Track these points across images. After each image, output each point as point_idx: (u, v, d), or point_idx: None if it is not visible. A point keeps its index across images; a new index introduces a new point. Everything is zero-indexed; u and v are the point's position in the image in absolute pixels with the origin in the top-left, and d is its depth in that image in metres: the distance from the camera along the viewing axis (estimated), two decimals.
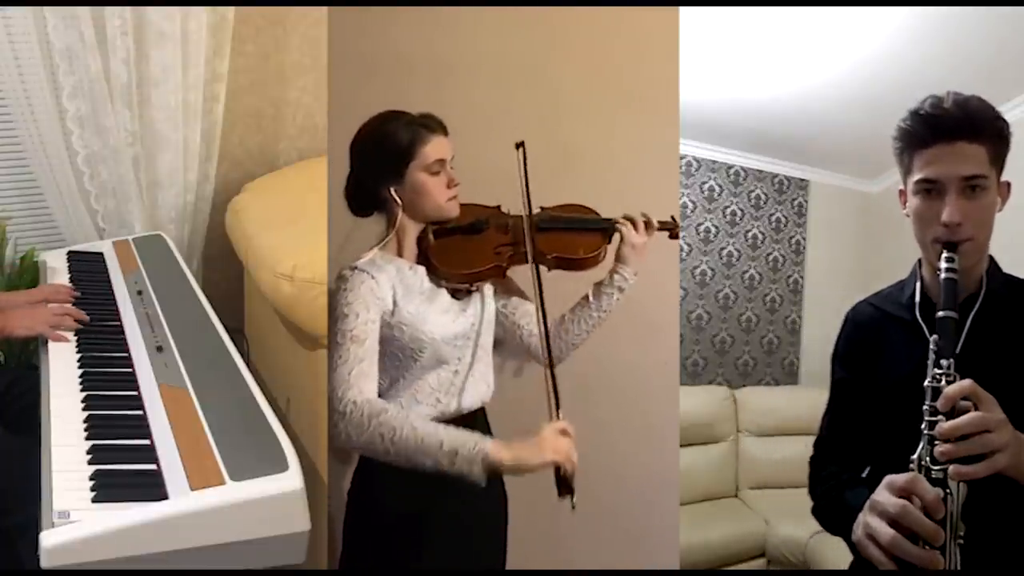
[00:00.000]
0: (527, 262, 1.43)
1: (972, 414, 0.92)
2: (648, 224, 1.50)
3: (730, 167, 3.68)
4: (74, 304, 1.88)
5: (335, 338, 1.30)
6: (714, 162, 3.63)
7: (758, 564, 2.98)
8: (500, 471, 1.19)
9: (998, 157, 1.09)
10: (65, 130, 2.24)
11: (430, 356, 1.38)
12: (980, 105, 1.08)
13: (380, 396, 1.36)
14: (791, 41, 2.50)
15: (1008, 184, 1.13)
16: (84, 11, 2.13)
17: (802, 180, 3.86)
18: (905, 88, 1.14)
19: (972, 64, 2.52)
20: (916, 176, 1.10)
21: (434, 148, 1.37)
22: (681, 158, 3.47)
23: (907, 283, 1.21)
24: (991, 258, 1.16)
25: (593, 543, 2.09)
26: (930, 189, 1.08)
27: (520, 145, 1.45)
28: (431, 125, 1.39)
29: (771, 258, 3.82)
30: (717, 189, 3.66)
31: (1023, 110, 2.89)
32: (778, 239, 3.83)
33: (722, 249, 3.68)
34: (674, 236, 1.54)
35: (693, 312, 3.61)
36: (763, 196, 3.78)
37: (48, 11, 2.11)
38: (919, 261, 1.20)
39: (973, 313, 1.10)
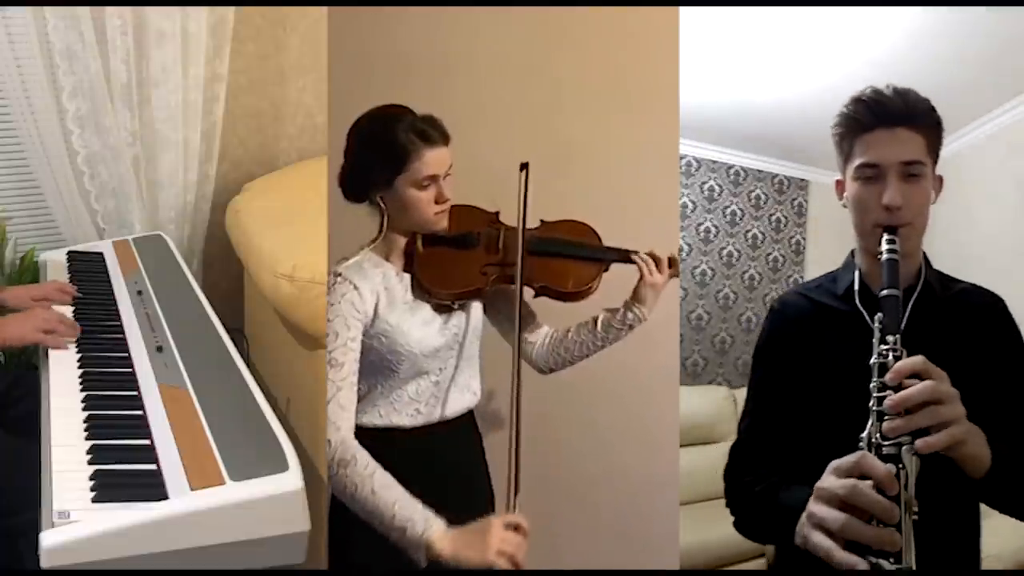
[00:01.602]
0: (512, 283, 1.38)
1: (923, 383, 0.89)
2: (663, 261, 1.44)
3: (730, 167, 3.68)
4: (74, 304, 1.88)
5: (326, 348, 1.29)
6: (714, 162, 3.63)
7: (758, 564, 2.98)
8: (439, 561, 1.13)
9: (934, 147, 1.12)
10: (65, 130, 2.24)
11: (408, 367, 1.36)
12: (918, 97, 1.12)
13: (359, 400, 1.34)
14: (792, 42, 2.50)
15: (941, 178, 1.15)
16: (84, 11, 2.13)
17: (802, 180, 3.86)
18: None
19: (973, 66, 2.52)
20: (857, 161, 1.12)
21: (428, 163, 1.30)
22: (681, 158, 3.47)
23: (840, 275, 1.21)
24: (924, 253, 1.17)
25: (593, 543, 2.09)
26: (871, 175, 1.10)
27: (524, 167, 1.39)
28: (431, 136, 1.30)
29: (771, 258, 3.82)
30: (717, 189, 3.66)
31: (1023, 110, 2.89)
32: (778, 239, 3.83)
33: (722, 249, 3.68)
34: (673, 275, 1.47)
35: (693, 312, 3.61)
36: (763, 196, 3.78)
37: (48, 11, 2.11)
38: (852, 252, 1.21)
39: (912, 302, 1.11)
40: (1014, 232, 2.88)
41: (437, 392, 1.41)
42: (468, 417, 1.49)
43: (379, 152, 1.32)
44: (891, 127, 1.09)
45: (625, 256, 1.45)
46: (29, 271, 2.30)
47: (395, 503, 1.16)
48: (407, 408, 1.39)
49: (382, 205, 1.35)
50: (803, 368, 1.17)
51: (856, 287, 1.16)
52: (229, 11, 2.34)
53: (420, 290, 1.38)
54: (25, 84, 2.17)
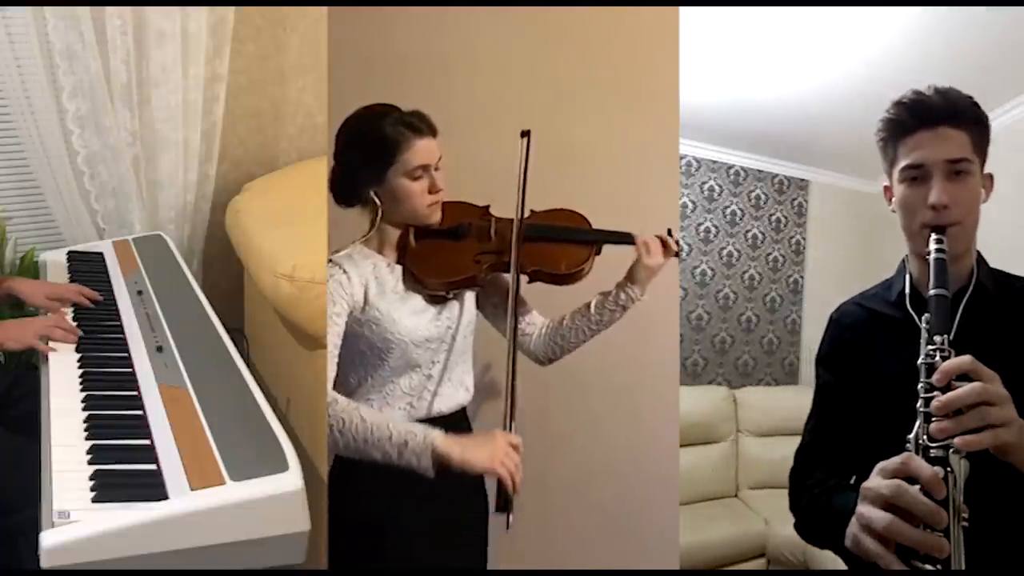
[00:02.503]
0: (505, 271, 1.39)
1: (971, 384, 0.87)
2: (666, 245, 1.45)
3: (730, 167, 3.68)
4: (74, 305, 1.88)
5: None
6: (714, 162, 3.63)
7: (758, 564, 2.99)
8: (448, 466, 1.16)
9: (980, 144, 1.10)
10: (65, 130, 2.24)
11: (399, 357, 1.37)
12: (959, 94, 1.10)
13: (349, 395, 1.36)
14: (791, 41, 2.50)
15: (991, 176, 1.14)
16: (84, 11, 2.13)
17: (802, 180, 3.86)
18: (905, 88, 1.14)
19: (972, 64, 2.52)
20: (902, 163, 1.10)
21: (417, 153, 1.33)
22: (681, 158, 3.47)
23: (894, 281, 1.20)
24: (978, 252, 1.15)
25: (593, 543, 2.09)
26: (916, 176, 1.09)
27: (526, 134, 1.40)
28: (418, 127, 1.34)
29: (771, 258, 3.82)
30: (717, 189, 3.65)
31: (1023, 110, 2.89)
32: (778, 239, 3.83)
33: (722, 249, 3.68)
34: (674, 254, 1.48)
35: (693, 312, 3.61)
36: (763, 196, 3.78)
37: (48, 11, 2.11)
38: (904, 259, 1.19)
39: (964, 302, 1.10)
40: (1013, 231, 2.89)
41: (430, 386, 1.41)
42: (461, 414, 1.49)
43: (369, 147, 1.34)
44: (933, 126, 1.08)
45: (620, 238, 1.46)
46: (29, 271, 2.29)
47: (388, 423, 1.18)
48: (399, 402, 1.39)
49: (376, 200, 1.37)
50: (860, 375, 1.17)
51: (907, 291, 1.15)
52: (229, 11, 2.34)
53: (413, 281, 1.39)
54: (25, 84, 2.17)
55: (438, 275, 1.39)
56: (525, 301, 1.55)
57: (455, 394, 1.45)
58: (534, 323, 1.56)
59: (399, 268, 1.40)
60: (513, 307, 1.33)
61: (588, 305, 1.49)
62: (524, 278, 1.43)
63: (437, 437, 1.16)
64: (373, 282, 1.36)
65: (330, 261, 1.35)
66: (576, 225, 1.48)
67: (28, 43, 2.13)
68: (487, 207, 1.47)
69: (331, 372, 1.29)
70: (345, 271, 1.33)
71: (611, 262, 1.48)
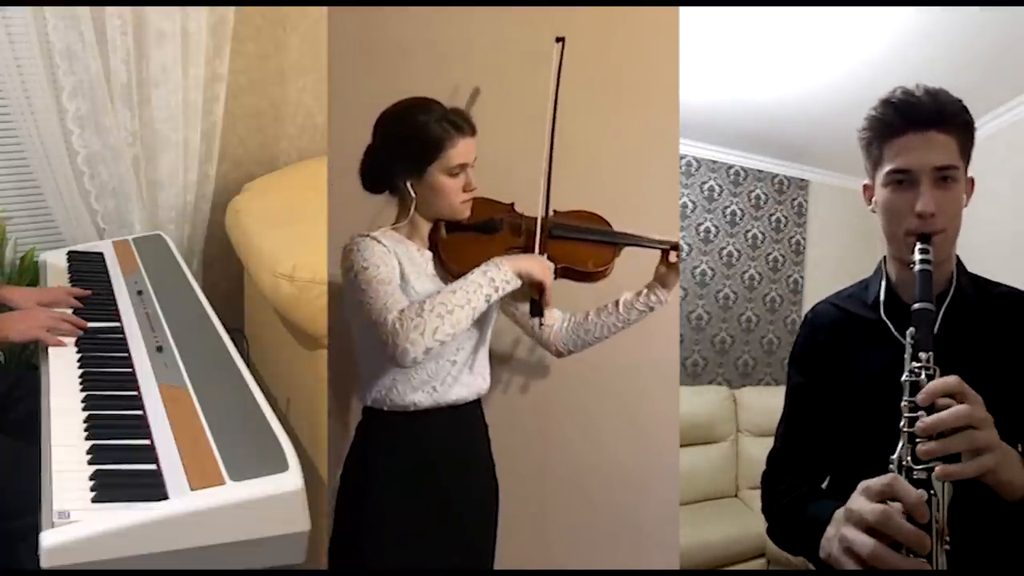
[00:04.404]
0: None
1: (957, 407, 0.86)
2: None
3: (730, 167, 3.68)
4: (71, 305, 1.88)
5: (360, 288, 1.31)
6: (714, 162, 3.63)
7: (758, 564, 2.98)
8: (520, 277, 1.34)
9: (966, 149, 1.09)
10: (65, 130, 2.24)
11: None
12: (949, 97, 1.08)
13: (375, 377, 1.39)
14: (792, 42, 2.50)
15: (972, 180, 1.12)
16: (84, 11, 2.13)
17: (802, 180, 3.86)
18: None
19: (972, 64, 2.52)
20: (887, 167, 1.08)
21: (460, 151, 1.38)
22: (681, 158, 3.47)
23: (871, 282, 1.18)
24: (957, 257, 1.14)
25: (593, 543, 2.09)
26: (902, 180, 1.07)
27: (560, 40, 1.48)
28: (461, 126, 1.38)
29: (771, 258, 3.81)
30: (717, 189, 3.65)
31: (1023, 110, 2.89)
32: (778, 239, 3.83)
33: (722, 249, 3.68)
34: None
35: (693, 312, 3.61)
36: (763, 196, 3.77)
37: (48, 11, 2.11)
38: (883, 260, 1.18)
39: (943, 309, 1.08)
40: (1011, 231, 2.89)
41: (453, 372, 1.43)
42: (477, 402, 1.51)
43: (413, 141, 1.37)
44: (923, 130, 1.05)
45: (650, 242, 1.50)
46: (29, 271, 2.29)
47: (468, 278, 1.32)
48: (424, 386, 1.41)
49: (412, 192, 1.39)
50: (834, 377, 1.16)
51: (883, 297, 1.13)
52: (229, 11, 2.34)
53: (443, 270, 1.43)
54: (25, 84, 2.17)
55: (471, 266, 1.40)
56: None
57: (475, 382, 1.48)
58: (554, 317, 1.59)
59: (429, 253, 1.43)
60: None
61: (617, 303, 1.53)
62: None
63: (502, 261, 1.34)
64: (407, 261, 1.39)
65: (365, 235, 1.36)
66: (601, 226, 1.52)
67: (28, 43, 2.13)
68: (512, 204, 1.50)
69: (399, 303, 1.30)
70: (384, 244, 1.36)
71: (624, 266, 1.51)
